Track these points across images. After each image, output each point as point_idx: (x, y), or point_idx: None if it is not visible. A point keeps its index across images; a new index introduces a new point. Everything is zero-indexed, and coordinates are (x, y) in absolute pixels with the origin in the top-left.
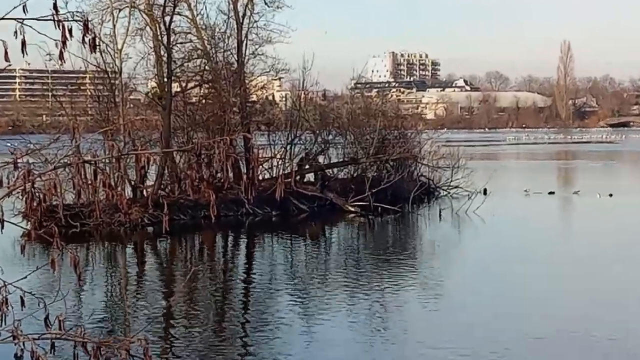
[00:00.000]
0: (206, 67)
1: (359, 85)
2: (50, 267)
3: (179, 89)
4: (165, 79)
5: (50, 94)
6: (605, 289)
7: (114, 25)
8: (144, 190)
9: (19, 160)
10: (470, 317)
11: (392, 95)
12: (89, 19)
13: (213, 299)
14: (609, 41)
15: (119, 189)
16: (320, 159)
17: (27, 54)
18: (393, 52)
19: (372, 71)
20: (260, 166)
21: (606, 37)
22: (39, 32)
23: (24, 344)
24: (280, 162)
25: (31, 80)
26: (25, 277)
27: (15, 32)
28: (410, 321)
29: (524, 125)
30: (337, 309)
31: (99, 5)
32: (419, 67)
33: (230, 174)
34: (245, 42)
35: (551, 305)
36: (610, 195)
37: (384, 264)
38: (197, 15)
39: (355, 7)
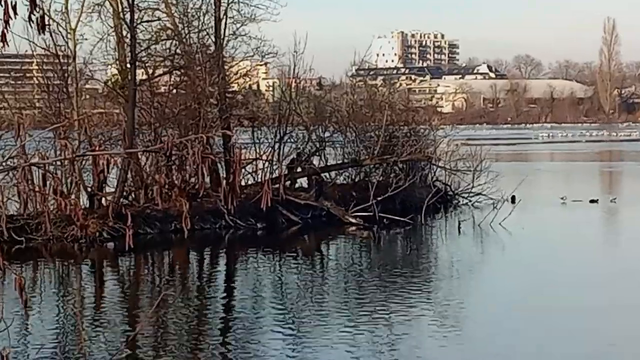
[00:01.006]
0: (177, 51)
1: (362, 72)
2: None
3: (144, 77)
4: (128, 65)
5: None
6: None
7: (67, 1)
8: (103, 199)
9: None
10: (492, 354)
11: (401, 84)
12: None
13: (186, 329)
14: None
15: (73, 197)
16: (315, 160)
17: None
18: (402, 32)
19: (378, 55)
20: (243, 169)
21: None
22: None
23: None
24: (266, 165)
25: None
26: None
27: None
28: (422, 357)
29: (559, 121)
30: (335, 342)
31: None
32: (434, 50)
33: (207, 179)
34: (224, 20)
35: (585, 345)
36: None
37: (391, 288)
38: None
39: None
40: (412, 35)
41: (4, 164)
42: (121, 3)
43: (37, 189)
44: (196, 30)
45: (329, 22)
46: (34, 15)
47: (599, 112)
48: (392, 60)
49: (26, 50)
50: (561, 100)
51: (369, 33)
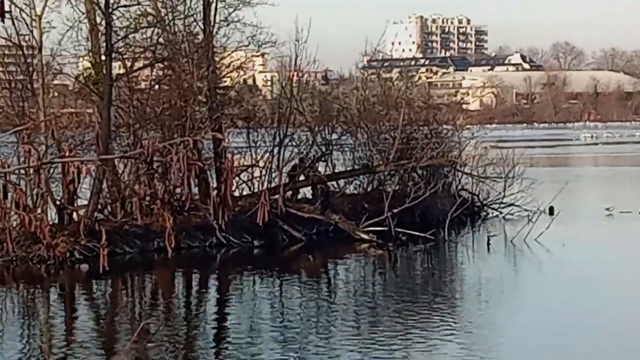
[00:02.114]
0: (160, 40)
1: (374, 64)
2: None
3: (122, 71)
4: (103, 57)
5: None
6: None
7: None
8: (74, 213)
9: None
10: None
11: (420, 77)
12: None
13: None
14: None
15: (39, 211)
16: (321, 167)
17: None
18: (421, 17)
19: (393, 44)
20: (237, 178)
21: None
22: None
23: None
24: (264, 173)
25: None
26: None
27: None
28: None
29: (603, 118)
30: None
31: None
32: (458, 38)
33: (195, 190)
34: (214, 3)
35: None
36: None
37: (409, 316)
38: None
39: None
40: (433, 21)
41: None
42: None
43: None
44: (182, 16)
45: (335, 5)
46: None
47: None
48: (410, 50)
49: None
50: (607, 95)
51: (383, 18)
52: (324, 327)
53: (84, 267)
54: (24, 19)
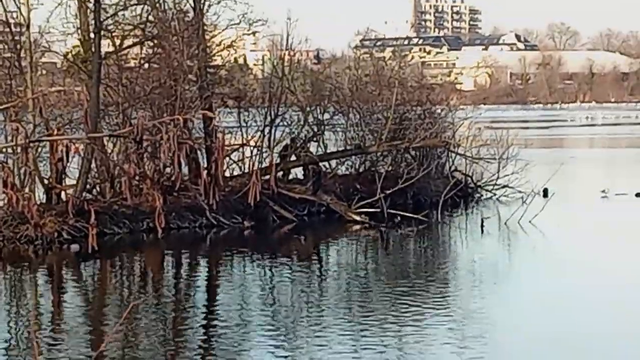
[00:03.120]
0: (150, 18)
1: (367, 43)
2: None
3: (111, 49)
4: (92, 35)
5: None
6: None
7: None
8: (62, 193)
9: None
10: None
11: (413, 57)
12: None
13: (159, 347)
14: None
15: (27, 190)
16: (312, 147)
17: None
18: None
19: (386, 22)
20: (227, 158)
21: None
22: None
23: None
24: (255, 152)
25: None
26: None
27: None
28: None
29: (599, 100)
30: None
31: None
32: (452, 17)
33: (185, 170)
34: None
35: None
36: None
37: (401, 299)
38: None
39: None
40: (427, 0)
41: None
42: None
43: None
44: None
45: None
46: None
47: None
48: (403, 29)
49: None
50: (602, 75)
51: None
52: (314, 310)
53: (75, 247)
54: None
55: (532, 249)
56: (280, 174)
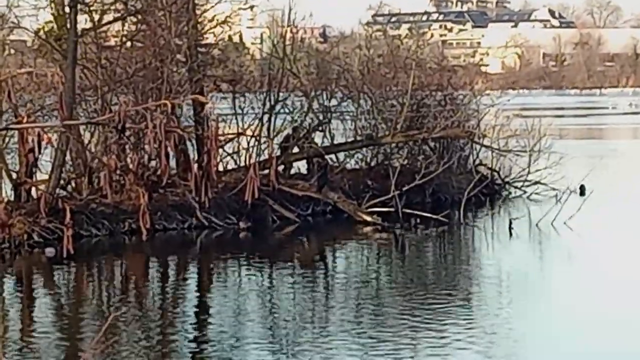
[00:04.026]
0: None
1: (380, 19)
2: None
3: (88, 25)
4: (67, 9)
5: None
6: None
7: None
8: (33, 189)
9: None
10: None
11: (432, 35)
12: None
13: None
14: None
15: None
16: (318, 137)
17: None
18: None
19: None
20: (221, 149)
21: None
22: None
23: None
24: (252, 143)
25: None
26: None
27: None
28: None
29: None
30: None
31: None
32: None
33: (173, 163)
34: None
35: None
36: None
37: (418, 310)
38: None
39: None
40: None
41: None
42: None
43: None
44: None
45: None
46: None
47: None
48: (421, 3)
49: None
50: None
51: None
52: (319, 323)
53: (50, 251)
54: None
55: (567, 255)
56: (281, 168)
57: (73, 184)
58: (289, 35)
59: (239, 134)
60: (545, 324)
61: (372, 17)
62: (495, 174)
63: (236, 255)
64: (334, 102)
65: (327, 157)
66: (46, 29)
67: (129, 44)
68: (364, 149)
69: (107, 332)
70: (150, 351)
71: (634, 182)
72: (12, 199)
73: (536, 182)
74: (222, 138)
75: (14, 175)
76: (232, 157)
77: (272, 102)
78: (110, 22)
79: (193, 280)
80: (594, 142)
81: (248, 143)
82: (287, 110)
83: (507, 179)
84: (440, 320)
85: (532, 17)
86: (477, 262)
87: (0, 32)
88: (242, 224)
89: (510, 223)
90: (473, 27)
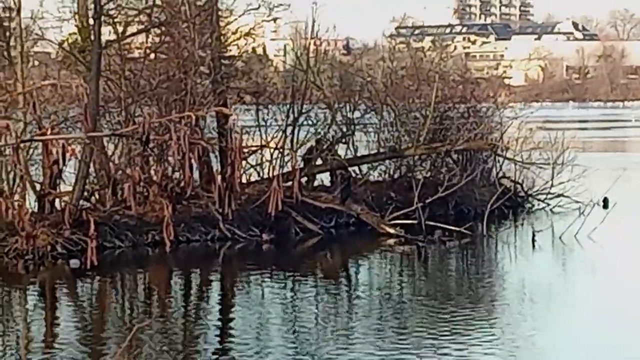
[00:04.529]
0: (156, 1)
1: (404, 31)
2: None
3: (112, 37)
4: (91, 21)
5: None
6: None
7: None
8: (57, 200)
9: None
10: None
11: (456, 47)
12: None
13: None
14: None
15: (17, 197)
16: (341, 149)
17: None
18: None
19: (425, 8)
20: (245, 161)
21: None
22: None
23: None
24: (276, 155)
25: None
26: None
27: None
28: None
29: None
30: None
31: None
32: (500, 2)
33: (196, 175)
34: None
35: None
36: None
37: (441, 323)
38: None
39: None
40: None
41: None
42: None
43: None
44: None
45: None
46: None
47: None
48: (445, 16)
49: None
50: None
51: None
52: (342, 336)
53: (75, 262)
54: None
55: (591, 268)
56: (304, 180)
57: (97, 196)
58: (312, 47)
59: (262, 146)
60: (568, 337)
61: (395, 30)
62: (519, 186)
63: (259, 268)
64: (357, 114)
65: (350, 169)
66: (70, 40)
67: (152, 55)
68: (387, 161)
69: (131, 343)
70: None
71: None
72: (36, 210)
73: (559, 195)
74: (245, 150)
75: (38, 187)
76: (256, 169)
77: (296, 114)
78: (134, 34)
79: (216, 292)
80: (617, 155)
81: (271, 155)
82: (310, 122)
83: (530, 192)
84: (462, 333)
85: (556, 30)
86: (499, 274)
87: (24, 44)
88: (265, 236)
89: (534, 235)
90: (496, 39)
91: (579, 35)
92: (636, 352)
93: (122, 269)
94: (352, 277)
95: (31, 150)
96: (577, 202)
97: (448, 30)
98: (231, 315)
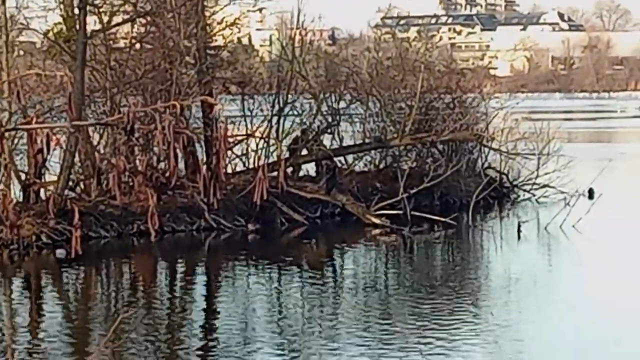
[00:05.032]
0: None
1: (389, 22)
2: None
3: (98, 27)
4: (77, 11)
5: None
6: None
7: None
8: (42, 190)
9: None
10: None
11: (441, 38)
12: None
13: None
14: None
15: (1, 187)
16: (326, 140)
17: None
18: None
19: None
20: (230, 151)
21: None
22: None
23: None
24: (261, 145)
25: None
26: None
27: None
28: None
29: None
30: None
31: None
32: None
33: (181, 164)
34: None
35: None
36: None
37: (426, 313)
38: None
39: None
40: None
41: None
42: None
43: None
44: None
45: None
46: None
47: None
48: (430, 6)
49: None
50: None
51: None
52: (327, 327)
53: (61, 252)
54: None
55: (576, 258)
56: (289, 170)
57: (82, 185)
58: (297, 37)
59: (247, 136)
60: (552, 327)
61: (381, 20)
62: (504, 177)
63: (244, 258)
64: (342, 104)
65: (335, 159)
66: (55, 30)
67: (138, 45)
68: (373, 152)
69: (115, 333)
70: (158, 353)
71: None
72: (20, 200)
73: (545, 185)
74: (230, 140)
75: (23, 176)
76: (241, 159)
77: (281, 104)
78: (119, 24)
79: (201, 282)
80: (602, 146)
81: (257, 145)
82: (295, 113)
83: (515, 182)
84: (448, 323)
85: (541, 20)
86: (485, 265)
87: (9, 34)
88: (250, 226)
89: (519, 226)
90: (482, 30)
91: (564, 25)
92: (620, 338)
93: (107, 259)
94: (337, 267)
95: (16, 140)
96: (562, 192)
97: (434, 21)
98: (216, 305)
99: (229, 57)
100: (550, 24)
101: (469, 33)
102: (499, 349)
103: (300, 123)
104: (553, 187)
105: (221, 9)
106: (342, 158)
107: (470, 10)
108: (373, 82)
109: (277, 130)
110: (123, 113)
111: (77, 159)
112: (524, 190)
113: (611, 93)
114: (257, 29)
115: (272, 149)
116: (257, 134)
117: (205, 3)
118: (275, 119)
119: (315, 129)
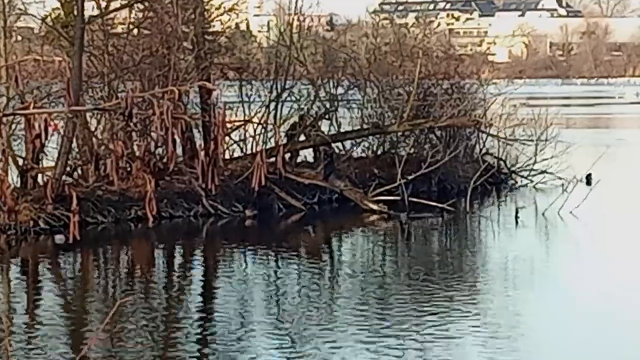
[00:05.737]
0: None
1: (387, 7)
2: None
3: (95, 12)
4: None
5: None
6: None
7: None
8: (40, 175)
9: None
10: None
11: (439, 23)
12: None
13: (149, 350)
14: None
15: None
16: (324, 125)
17: None
18: None
19: None
20: (228, 137)
21: None
22: None
23: None
24: (259, 131)
25: None
26: None
27: None
28: None
29: None
30: None
31: None
32: None
33: (179, 150)
34: None
35: None
36: None
37: (424, 299)
38: None
39: None
40: None
41: None
42: None
43: None
44: None
45: None
46: None
47: None
48: None
49: None
50: None
51: None
52: (325, 312)
53: (60, 238)
54: None
55: (574, 244)
56: (287, 156)
57: (79, 171)
58: (295, 23)
59: (245, 122)
60: (550, 312)
61: (379, 6)
62: (502, 163)
63: (242, 243)
64: (340, 90)
65: (333, 145)
66: (53, 15)
67: (136, 31)
68: (371, 138)
69: (113, 318)
70: (156, 338)
71: None
72: (18, 185)
73: (542, 172)
74: (228, 125)
75: (21, 162)
76: (239, 145)
77: (279, 90)
78: (117, 9)
79: (199, 268)
80: (600, 132)
81: (255, 131)
82: (293, 98)
83: (513, 168)
84: (445, 309)
85: (539, 6)
86: (483, 251)
87: (7, 19)
88: (248, 212)
89: (517, 212)
90: (480, 15)
91: (562, 12)
92: (617, 324)
93: (104, 244)
94: (334, 253)
95: (14, 125)
96: (560, 178)
97: (432, 7)
98: (214, 291)
99: (226, 43)
100: (548, 10)
101: (467, 19)
102: (496, 331)
103: (298, 109)
104: (551, 173)
105: None
106: (340, 144)
107: None
108: (371, 68)
109: (274, 116)
110: (121, 98)
111: (74, 144)
112: (522, 177)
113: (609, 79)
114: (255, 15)
115: (269, 134)
116: (255, 119)
117: None
118: (273, 105)
119: (313, 115)
